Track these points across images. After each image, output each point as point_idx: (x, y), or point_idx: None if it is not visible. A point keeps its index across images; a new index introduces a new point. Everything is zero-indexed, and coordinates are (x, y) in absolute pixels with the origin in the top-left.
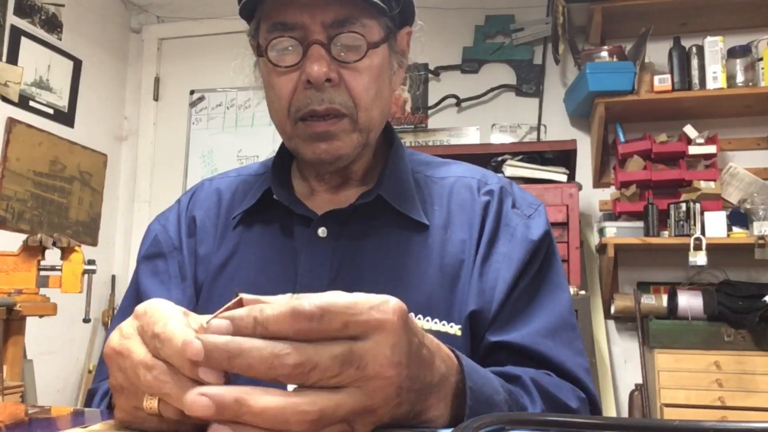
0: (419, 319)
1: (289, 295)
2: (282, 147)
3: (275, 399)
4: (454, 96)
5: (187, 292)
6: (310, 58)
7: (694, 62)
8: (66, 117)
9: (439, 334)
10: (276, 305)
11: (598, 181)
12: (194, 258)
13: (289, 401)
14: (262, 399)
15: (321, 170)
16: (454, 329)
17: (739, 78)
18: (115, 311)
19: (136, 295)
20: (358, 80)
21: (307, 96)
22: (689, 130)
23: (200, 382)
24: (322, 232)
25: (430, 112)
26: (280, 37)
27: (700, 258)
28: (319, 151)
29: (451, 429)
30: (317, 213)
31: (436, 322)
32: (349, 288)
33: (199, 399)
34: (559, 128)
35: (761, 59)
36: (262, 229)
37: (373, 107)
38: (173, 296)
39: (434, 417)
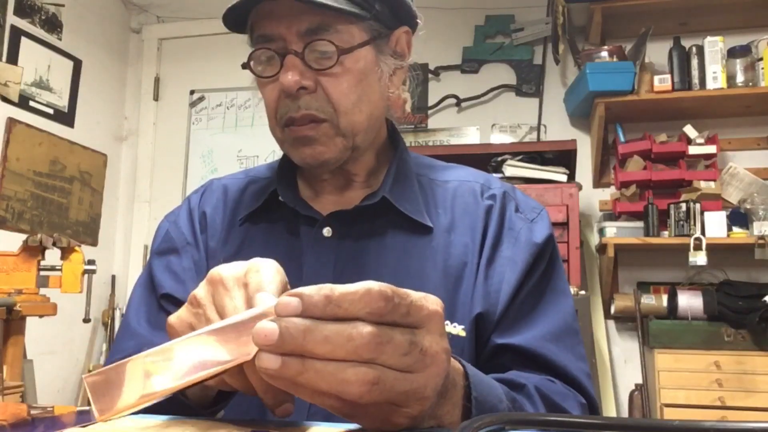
0: None
1: (322, 285)
2: None
3: (339, 349)
4: (454, 96)
5: None
6: (283, 69)
7: (694, 62)
8: (66, 117)
9: None
10: (349, 285)
11: (598, 181)
12: (206, 252)
13: (352, 362)
14: (326, 346)
15: (315, 173)
16: (458, 329)
17: (739, 78)
18: (116, 310)
19: (152, 286)
20: (336, 86)
21: (286, 104)
22: (689, 130)
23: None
24: (327, 231)
25: (430, 112)
26: (261, 49)
27: (700, 258)
28: (305, 156)
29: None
30: (322, 214)
31: None
32: None
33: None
34: (559, 128)
35: (761, 59)
36: (267, 228)
37: (355, 111)
38: (189, 291)
39: (449, 423)
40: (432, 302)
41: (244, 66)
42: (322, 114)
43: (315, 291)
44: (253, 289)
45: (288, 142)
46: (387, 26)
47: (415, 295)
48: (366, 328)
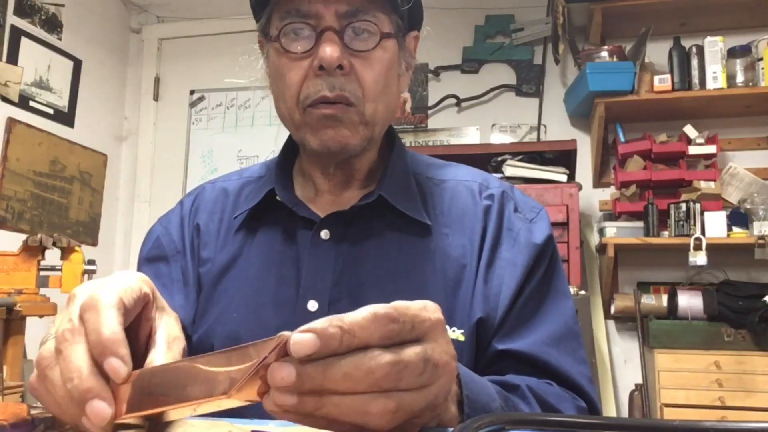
0: None
1: (330, 317)
2: (284, 149)
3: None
4: (454, 96)
5: (189, 297)
6: (323, 43)
7: (694, 62)
8: (66, 117)
9: None
10: (352, 313)
11: (598, 181)
12: (197, 261)
13: (372, 394)
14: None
15: (327, 162)
16: (457, 334)
17: (739, 78)
18: None
19: None
20: (368, 71)
21: (318, 83)
22: (689, 130)
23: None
24: (324, 234)
25: (430, 112)
26: (294, 24)
27: (700, 258)
28: (327, 138)
29: (451, 429)
30: (320, 215)
31: None
32: (352, 290)
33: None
34: (559, 128)
35: (761, 59)
36: (264, 232)
37: (379, 100)
38: (176, 301)
39: (448, 420)
40: (432, 311)
41: (272, 40)
42: (353, 98)
43: (327, 323)
44: (91, 332)
45: (309, 124)
46: (405, 26)
47: (416, 307)
48: (384, 359)
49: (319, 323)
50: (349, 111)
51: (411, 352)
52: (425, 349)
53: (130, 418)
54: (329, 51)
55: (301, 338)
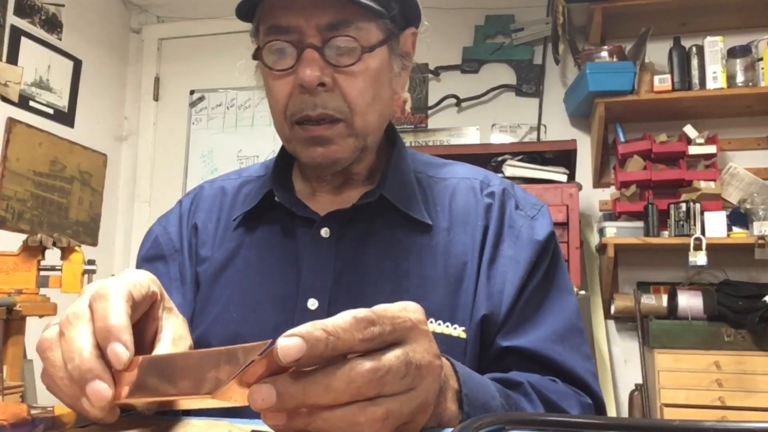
0: None
1: (312, 322)
2: (283, 148)
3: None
4: (454, 96)
5: (187, 296)
6: (302, 63)
7: (694, 62)
8: (66, 117)
9: (443, 336)
10: (332, 318)
11: (598, 181)
12: (195, 260)
13: (359, 404)
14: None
15: (320, 173)
16: (458, 331)
17: (739, 78)
18: None
19: None
20: (353, 84)
21: (302, 101)
22: (689, 130)
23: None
24: (324, 232)
25: (430, 112)
26: (275, 41)
27: (700, 258)
28: (316, 155)
29: (451, 429)
30: (319, 214)
31: (439, 324)
32: (353, 288)
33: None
34: (559, 128)
35: (761, 59)
36: (263, 231)
37: (369, 111)
38: (174, 300)
39: (449, 419)
40: (413, 311)
41: (255, 57)
42: (339, 114)
43: (312, 327)
44: (98, 319)
45: (298, 141)
46: (398, 27)
47: (395, 308)
48: (364, 366)
49: (304, 327)
50: (336, 127)
51: (391, 356)
52: (406, 352)
53: (128, 402)
54: (309, 72)
55: (287, 343)
